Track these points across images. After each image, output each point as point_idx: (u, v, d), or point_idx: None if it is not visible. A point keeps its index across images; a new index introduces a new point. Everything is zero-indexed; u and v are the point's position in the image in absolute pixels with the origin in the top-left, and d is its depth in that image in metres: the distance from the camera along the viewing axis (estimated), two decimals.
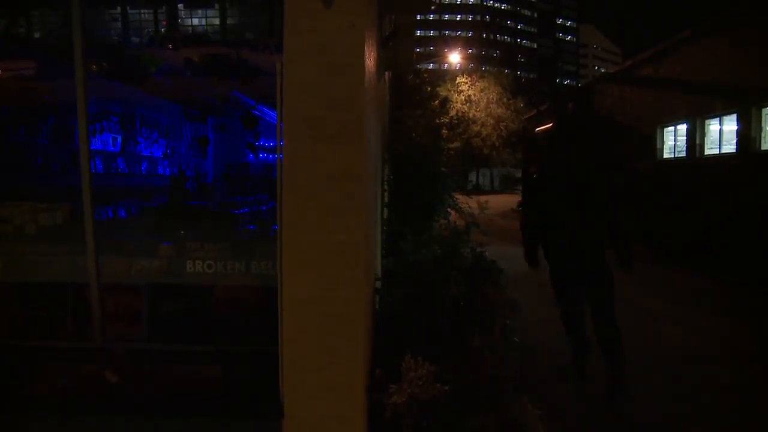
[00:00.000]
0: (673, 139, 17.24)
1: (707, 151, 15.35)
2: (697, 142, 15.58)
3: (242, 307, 5.09)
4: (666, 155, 17.72)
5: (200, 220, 6.10)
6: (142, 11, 7.44)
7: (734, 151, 13.99)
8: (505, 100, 43.35)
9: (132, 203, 7.27)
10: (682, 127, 16.47)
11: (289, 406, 3.67)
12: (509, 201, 37.86)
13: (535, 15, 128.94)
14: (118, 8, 7.18)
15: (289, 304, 3.55)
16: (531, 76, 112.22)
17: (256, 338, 4.50)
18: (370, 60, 3.83)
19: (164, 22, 7.55)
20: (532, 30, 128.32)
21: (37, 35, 7.41)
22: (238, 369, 4.56)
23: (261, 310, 4.75)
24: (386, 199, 7.79)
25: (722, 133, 14.81)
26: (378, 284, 5.35)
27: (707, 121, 15.34)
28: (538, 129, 31.22)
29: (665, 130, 17.66)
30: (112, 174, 7.94)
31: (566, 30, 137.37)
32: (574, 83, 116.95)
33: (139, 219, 6.77)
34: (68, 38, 4.77)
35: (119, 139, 8.17)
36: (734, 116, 13.95)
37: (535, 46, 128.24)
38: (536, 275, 6.70)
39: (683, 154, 16.43)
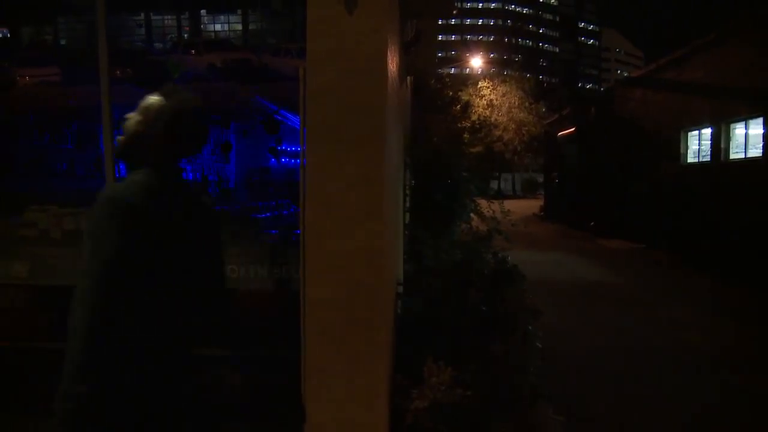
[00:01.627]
0: (698, 144, 17.08)
1: (732, 156, 15.18)
2: (722, 146, 15.42)
3: (264, 311, 5.10)
4: (690, 160, 17.55)
5: (223, 224, 6.11)
6: (165, 17, 7.51)
7: (761, 155, 13.83)
8: (527, 104, 43.18)
9: None
10: (707, 131, 16.31)
11: (311, 412, 3.66)
12: (531, 206, 37.76)
13: (557, 19, 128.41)
14: (142, 14, 7.25)
15: (311, 309, 3.55)
16: (553, 80, 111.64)
17: (278, 343, 4.51)
18: (392, 65, 3.83)
19: (187, 28, 7.61)
20: (554, 34, 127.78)
21: (62, 42, 7.50)
22: (260, 374, 4.57)
23: (283, 314, 4.75)
24: (407, 204, 7.78)
25: (748, 137, 14.65)
26: (399, 289, 5.34)
27: (732, 125, 15.18)
28: (560, 133, 31.06)
29: (689, 134, 17.50)
30: None
31: (588, 34, 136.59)
32: (596, 87, 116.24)
33: None
34: (93, 45, 4.82)
35: None
36: (761, 120, 13.81)
37: (557, 50, 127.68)
38: (559, 281, 6.65)
39: (708, 159, 16.27)
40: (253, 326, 5.03)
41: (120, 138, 2.32)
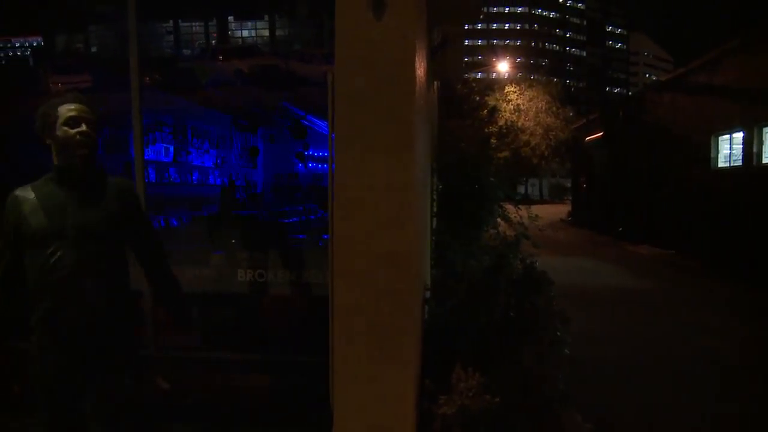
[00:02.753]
0: (728, 148, 16.84)
1: (765, 160, 14.94)
2: (754, 150, 15.18)
3: (292, 315, 5.12)
4: (720, 164, 17.31)
5: (250, 229, 6.16)
6: (193, 24, 7.57)
7: None
8: (554, 109, 42.88)
9: (183, 212, 7.38)
10: (738, 135, 16.08)
11: (338, 416, 3.66)
12: (558, 211, 37.52)
13: (585, 23, 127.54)
14: (170, 21, 7.32)
15: (338, 314, 3.55)
16: (580, 84, 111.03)
17: (305, 347, 4.52)
18: (420, 70, 3.82)
19: (215, 34, 7.67)
20: (581, 38, 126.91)
21: (93, 50, 7.61)
22: (288, 378, 4.58)
23: (310, 319, 4.77)
24: (435, 209, 7.77)
25: None
26: (427, 294, 5.32)
27: (765, 129, 14.93)
28: (587, 138, 30.84)
29: (720, 138, 17.26)
30: (165, 183, 8.09)
31: (616, 38, 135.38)
32: (624, 91, 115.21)
33: (190, 228, 6.87)
34: (123, 52, 4.88)
35: (171, 149, 8.32)
36: None
37: (585, 54, 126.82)
38: (587, 287, 6.59)
39: (739, 163, 16.03)
40: (281, 331, 5.05)
41: (89, 146, 2.86)
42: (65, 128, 2.80)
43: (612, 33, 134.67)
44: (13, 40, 7.15)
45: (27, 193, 2.84)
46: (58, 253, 2.72)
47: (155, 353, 4.78)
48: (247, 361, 4.79)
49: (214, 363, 4.82)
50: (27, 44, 7.23)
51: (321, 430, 3.78)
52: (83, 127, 2.81)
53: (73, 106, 2.85)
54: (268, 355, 4.77)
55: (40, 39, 7.19)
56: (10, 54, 7.25)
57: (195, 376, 4.74)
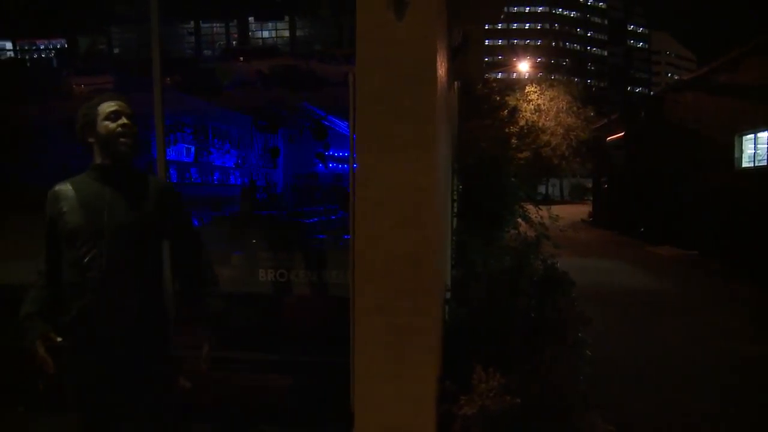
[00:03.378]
0: (753, 148, 16.63)
1: None
2: None
3: (312, 315, 5.12)
4: (745, 164, 17.10)
5: (271, 229, 6.18)
6: (214, 25, 7.61)
7: None
8: (575, 109, 42.60)
9: (204, 212, 7.42)
10: (763, 135, 15.88)
11: (359, 416, 3.66)
12: (579, 211, 37.30)
13: (606, 22, 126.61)
14: (192, 22, 7.36)
15: (360, 315, 3.56)
16: (601, 84, 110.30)
17: (326, 347, 4.52)
18: (441, 70, 3.82)
19: (235, 35, 7.70)
20: (603, 37, 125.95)
21: (115, 51, 7.67)
22: (308, 378, 4.59)
23: (331, 319, 4.77)
24: (455, 210, 7.75)
25: None
26: (447, 295, 5.31)
27: None
28: (608, 138, 30.63)
29: (744, 138, 17.05)
30: (186, 183, 8.13)
31: (638, 37, 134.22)
32: (646, 91, 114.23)
33: (211, 228, 6.91)
34: (145, 53, 4.92)
35: (192, 149, 8.36)
36: None
37: (606, 53, 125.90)
38: (608, 289, 6.54)
39: (764, 163, 15.84)
40: (301, 331, 5.06)
41: (132, 143, 2.89)
42: (107, 123, 2.83)
43: (634, 32, 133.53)
44: (37, 42, 7.23)
45: (66, 189, 2.85)
46: (94, 252, 2.72)
47: (176, 352, 4.80)
48: (267, 361, 4.80)
49: (234, 362, 4.84)
50: (51, 46, 7.30)
51: (341, 430, 3.78)
52: (124, 120, 2.84)
53: (112, 103, 2.88)
54: (289, 355, 4.78)
55: (63, 41, 7.26)
56: (35, 56, 7.34)
57: (215, 375, 4.76)
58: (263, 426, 4.51)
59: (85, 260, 2.73)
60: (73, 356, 2.78)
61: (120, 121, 2.84)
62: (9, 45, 7.08)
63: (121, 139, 2.82)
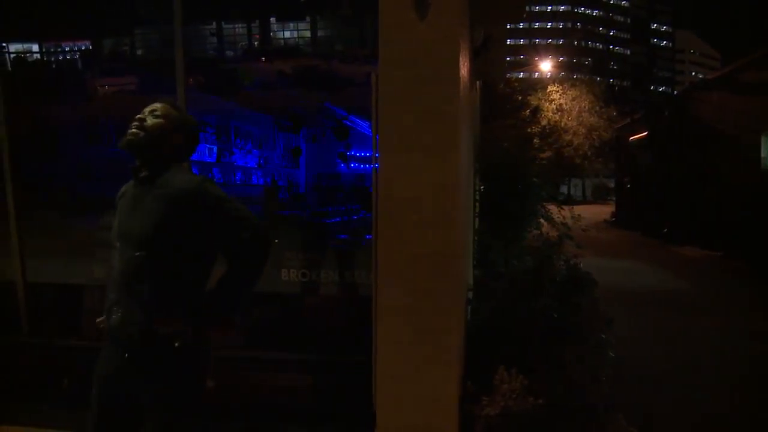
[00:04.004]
0: None
1: None
2: None
3: (335, 316, 5.13)
4: None
5: (293, 229, 6.20)
6: (235, 25, 7.65)
7: None
8: (597, 108, 42.28)
9: None
10: None
11: (381, 416, 3.67)
12: (602, 211, 37.03)
13: (629, 21, 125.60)
14: (213, 23, 7.40)
15: (382, 315, 3.56)
16: (624, 83, 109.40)
17: (348, 347, 4.53)
18: (463, 70, 3.81)
19: (257, 36, 7.73)
20: (625, 36, 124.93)
21: (138, 52, 7.74)
22: (330, 377, 4.60)
23: (353, 319, 4.78)
24: (477, 210, 7.73)
25: None
26: (469, 295, 5.30)
27: None
28: (631, 138, 30.38)
29: None
30: None
31: (661, 35, 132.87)
32: (670, 90, 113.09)
33: None
34: (167, 54, 4.95)
35: (215, 149, 8.41)
36: None
37: (629, 52, 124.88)
38: (631, 289, 6.48)
39: None
40: (324, 330, 5.07)
41: (138, 132, 2.78)
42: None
43: (657, 30, 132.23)
44: (62, 44, 7.31)
45: (122, 192, 2.93)
46: (119, 254, 2.75)
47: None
48: (288, 361, 4.82)
49: (257, 362, 4.86)
50: (75, 48, 7.38)
51: (363, 429, 3.79)
52: (137, 119, 2.83)
53: (147, 107, 2.90)
54: (310, 355, 4.79)
55: (88, 42, 7.33)
56: (60, 57, 7.42)
57: (237, 374, 4.79)
58: (285, 425, 4.53)
59: (113, 260, 2.78)
60: (100, 352, 2.84)
61: (133, 122, 2.85)
62: (35, 47, 7.17)
63: (128, 130, 2.80)
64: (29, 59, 7.11)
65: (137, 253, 2.70)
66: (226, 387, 4.68)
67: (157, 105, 2.90)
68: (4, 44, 5.48)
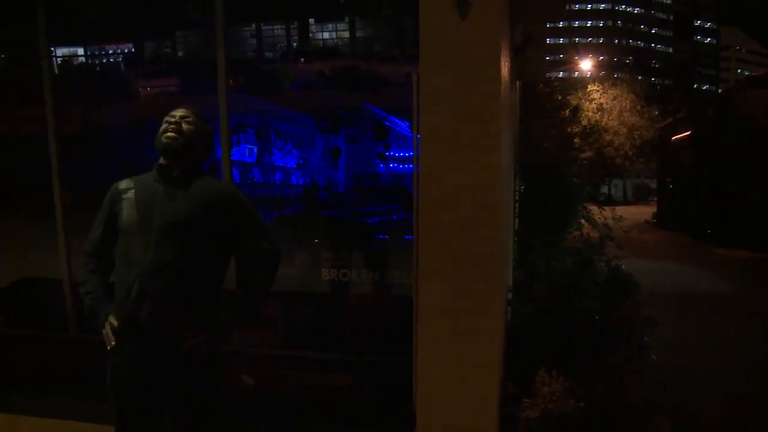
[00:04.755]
0: None
1: None
2: None
3: (374, 315, 5.14)
4: None
5: (333, 229, 6.23)
6: (275, 27, 7.70)
7: None
8: (638, 107, 41.53)
9: (266, 212, 7.52)
10: None
11: (421, 417, 3.67)
12: (643, 212, 36.51)
13: (671, 18, 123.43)
14: (253, 25, 7.47)
15: (423, 315, 3.56)
16: (666, 82, 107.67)
17: (388, 347, 4.53)
18: (504, 70, 3.79)
19: (296, 37, 7.78)
20: (668, 34, 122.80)
21: (180, 54, 7.85)
22: (370, 378, 4.61)
23: (393, 319, 4.78)
24: (516, 210, 7.68)
25: None
26: (509, 296, 5.26)
27: None
28: (674, 137, 29.89)
29: None
30: (249, 183, 8.27)
31: (705, 32, 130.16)
32: (714, 88, 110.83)
33: (274, 228, 7.00)
34: (208, 56, 5.01)
35: (255, 150, 8.50)
36: None
37: (671, 50, 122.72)
38: (673, 291, 6.38)
39: None
40: (364, 330, 5.08)
41: (178, 138, 2.94)
42: (161, 127, 2.96)
43: (701, 27, 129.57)
44: (106, 47, 7.45)
45: (128, 186, 2.99)
46: (140, 248, 2.80)
47: (240, 349, 4.88)
48: (329, 360, 4.84)
49: (296, 360, 4.89)
50: (119, 50, 7.51)
51: (403, 430, 3.79)
52: (171, 118, 2.97)
53: (174, 111, 3.02)
54: (351, 355, 4.81)
55: (131, 45, 7.46)
56: (104, 60, 7.56)
57: (277, 373, 4.82)
58: (324, 425, 4.55)
59: (132, 257, 2.82)
60: (114, 348, 2.87)
61: (167, 124, 2.96)
62: (81, 50, 7.31)
63: (166, 134, 2.93)
64: (75, 63, 7.26)
65: (170, 244, 2.82)
66: (265, 385, 4.73)
67: (187, 112, 3.04)
68: (52, 49, 5.59)
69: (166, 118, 2.98)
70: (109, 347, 2.86)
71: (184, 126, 2.96)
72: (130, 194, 2.94)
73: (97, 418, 4.40)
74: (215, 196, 2.98)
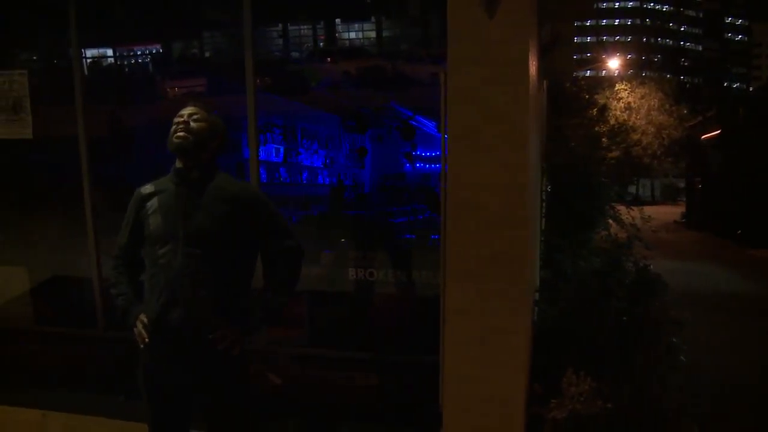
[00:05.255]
0: None
1: None
2: None
3: (401, 315, 5.15)
4: None
5: (359, 229, 6.24)
6: (301, 27, 7.74)
7: None
8: (667, 106, 40.97)
9: (292, 212, 7.55)
10: None
11: (447, 417, 3.66)
12: (671, 212, 36.10)
13: (701, 15, 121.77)
14: (280, 25, 7.50)
15: (450, 315, 3.55)
16: (696, 80, 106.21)
17: (414, 347, 4.54)
18: (532, 69, 3.77)
19: (322, 37, 7.81)
20: (697, 31, 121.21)
21: (207, 55, 7.91)
22: (395, 378, 4.61)
23: (419, 319, 4.78)
24: (543, 210, 7.64)
25: None
26: (536, 296, 5.24)
27: None
28: (703, 137, 29.52)
29: None
30: (275, 183, 8.31)
31: (736, 30, 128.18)
32: (745, 87, 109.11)
33: (300, 227, 7.02)
34: (235, 56, 5.04)
35: (281, 150, 8.53)
36: None
37: (700, 48, 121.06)
38: (703, 293, 6.32)
39: None
40: (390, 330, 5.09)
41: (188, 136, 2.91)
42: (171, 128, 2.97)
43: (732, 24, 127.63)
44: (134, 48, 7.53)
45: (150, 192, 3.02)
46: (169, 255, 2.84)
47: (266, 348, 4.91)
48: (354, 359, 4.85)
49: (323, 360, 4.91)
50: (147, 51, 7.59)
51: (429, 430, 3.79)
52: (180, 118, 2.96)
53: (183, 110, 3.01)
54: (376, 354, 4.81)
55: (158, 46, 7.53)
56: (133, 61, 7.64)
57: (304, 372, 4.85)
58: (350, 423, 4.56)
59: (161, 262, 2.86)
60: (147, 350, 2.92)
61: (176, 119, 2.97)
62: (109, 51, 7.40)
63: (176, 134, 2.92)
64: (104, 64, 7.35)
65: (198, 251, 2.83)
66: (292, 384, 4.76)
67: (195, 108, 3.02)
68: (82, 50, 5.68)
69: (175, 119, 2.98)
70: (142, 345, 2.90)
71: (193, 124, 2.94)
72: (154, 201, 2.97)
73: (126, 415, 4.46)
74: (237, 196, 2.97)
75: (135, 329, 2.92)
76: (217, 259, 2.86)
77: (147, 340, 2.88)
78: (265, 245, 3.07)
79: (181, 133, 2.91)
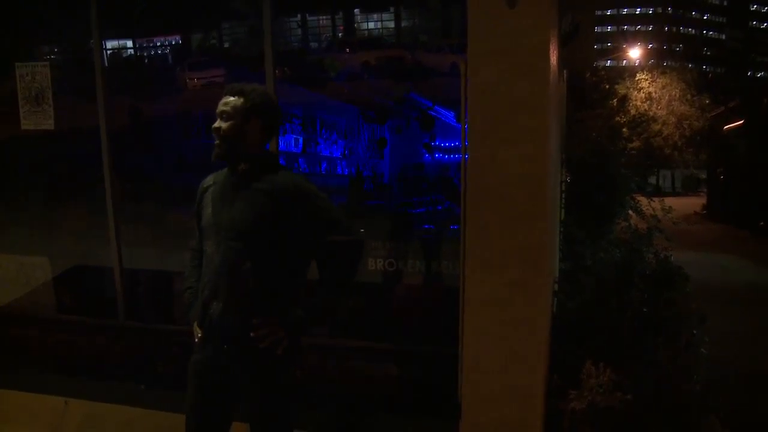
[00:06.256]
0: None
1: None
2: None
3: (420, 306, 5.15)
4: None
5: (378, 219, 6.25)
6: (320, 17, 7.74)
7: None
8: (688, 96, 40.55)
9: None
10: None
11: (466, 409, 3.67)
12: (692, 203, 35.76)
13: (725, 3, 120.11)
14: (298, 16, 7.51)
15: (470, 307, 3.55)
16: (718, 70, 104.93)
17: (434, 338, 4.54)
18: (553, 59, 3.75)
19: (341, 27, 7.81)
20: (721, 20, 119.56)
21: (226, 45, 7.94)
22: (415, 368, 4.62)
23: (438, 310, 4.78)
24: (563, 201, 7.60)
25: None
26: (555, 287, 5.22)
27: None
28: (726, 127, 29.20)
29: None
30: (295, 173, 8.34)
31: (762, 18, 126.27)
32: None
33: None
34: (254, 47, 5.05)
35: (300, 140, 8.56)
36: None
37: (724, 37, 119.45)
38: (724, 285, 6.26)
39: None
40: (409, 321, 5.10)
41: (221, 145, 2.82)
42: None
43: (757, 12, 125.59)
44: (154, 40, 7.57)
45: (209, 184, 2.99)
46: (213, 248, 2.82)
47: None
48: (374, 350, 4.86)
49: (343, 350, 4.92)
50: (167, 42, 7.64)
51: (449, 421, 3.79)
52: (216, 123, 2.83)
53: (218, 107, 2.88)
54: (397, 345, 4.82)
55: (178, 37, 7.57)
56: (152, 53, 7.69)
57: (324, 362, 4.87)
58: (370, 414, 4.57)
59: (208, 254, 2.86)
60: (195, 343, 2.93)
61: (214, 125, 2.84)
62: (129, 43, 7.45)
63: (215, 142, 2.82)
64: (124, 55, 7.40)
65: (238, 245, 2.77)
66: (313, 375, 4.78)
67: (225, 102, 2.87)
68: (102, 42, 5.72)
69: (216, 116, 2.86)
70: (196, 339, 2.91)
71: (223, 126, 2.79)
72: (209, 193, 2.94)
73: (146, 404, 4.51)
74: (281, 190, 2.79)
75: (194, 323, 2.91)
76: (259, 254, 2.76)
77: (200, 335, 2.86)
78: (318, 240, 2.89)
79: (216, 142, 2.81)
